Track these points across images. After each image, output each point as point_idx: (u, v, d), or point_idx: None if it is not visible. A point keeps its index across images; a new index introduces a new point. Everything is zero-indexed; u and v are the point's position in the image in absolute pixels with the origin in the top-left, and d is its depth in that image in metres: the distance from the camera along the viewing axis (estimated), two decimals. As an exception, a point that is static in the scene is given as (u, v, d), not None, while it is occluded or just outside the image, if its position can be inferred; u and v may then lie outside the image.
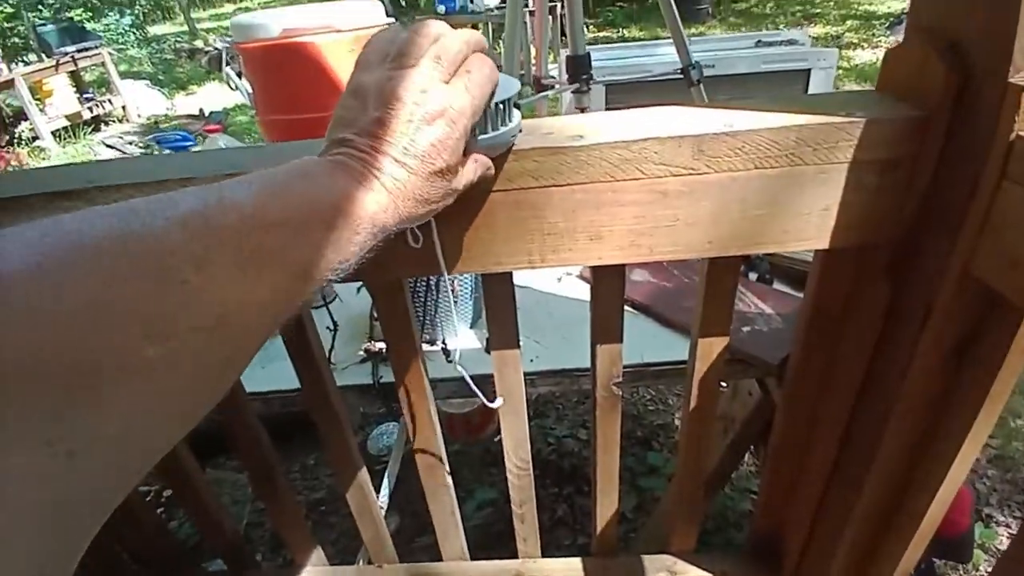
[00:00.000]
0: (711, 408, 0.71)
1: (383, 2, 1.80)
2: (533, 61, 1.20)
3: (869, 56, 5.44)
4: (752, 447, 1.09)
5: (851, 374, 0.62)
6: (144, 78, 6.92)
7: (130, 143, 5.12)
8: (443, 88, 0.38)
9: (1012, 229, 0.44)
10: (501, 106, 0.45)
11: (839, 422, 0.66)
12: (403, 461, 1.36)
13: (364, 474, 0.82)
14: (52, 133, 5.34)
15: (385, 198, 0.37)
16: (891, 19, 6.40)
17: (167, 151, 1.37)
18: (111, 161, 0.60)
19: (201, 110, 5.61)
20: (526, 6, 1.04)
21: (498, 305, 0.63)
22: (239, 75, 1.72)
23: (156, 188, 0.51)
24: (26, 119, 5.31)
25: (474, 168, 0.43)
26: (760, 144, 0.47)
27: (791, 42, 2.05)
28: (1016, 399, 1.71)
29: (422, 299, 0.86)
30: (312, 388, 0.73)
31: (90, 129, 5.71)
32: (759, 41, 2.14)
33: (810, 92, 1.90)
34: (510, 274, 0.61)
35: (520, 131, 0.49)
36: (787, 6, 8.36)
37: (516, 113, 0.47)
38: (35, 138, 5.31)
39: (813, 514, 0.74)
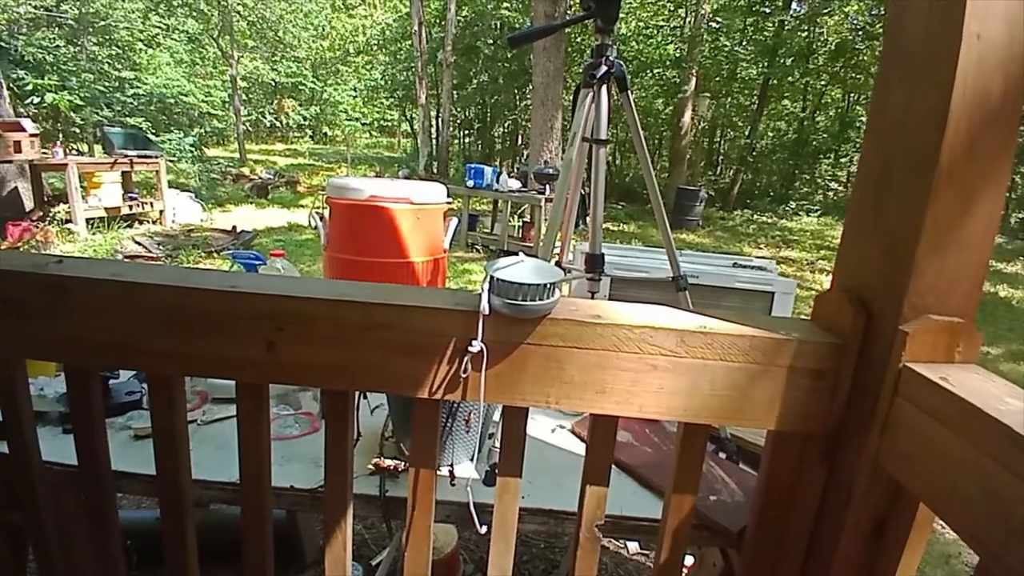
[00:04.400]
0: (678, 562, 0.80)
1: (445, 185, 2.23)
2: (557, 245, 1.47)
3: (838, 284, 6.09)
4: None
5: (796, 546, 0.74)
6: (188, 191, 7.58)
7: (158, 244, 5.46)
8: None
9: (903, 432, 0.61)
10: (549, 285, 0.65)
11: (788, 590, 0.75)
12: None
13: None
14: (86, 220, 5.72)
15: None
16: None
17: (240, 265, 1.59)
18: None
19: (234, 227, 6.09)
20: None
21: (512, 436, 0.77)
22: (320, 218, 2.09)
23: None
24: (66, 202, 5.73)
25: None
26: (724, 343, 0.66)
27: (761, 268, 2.45)
28: None
29: (441, 424, 0.98)
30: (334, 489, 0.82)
31: (125, 224, 6.11)
32: (735, 263, 2.54)
33: (773, 311, 2.23)
34: (527, 411, 0.76)
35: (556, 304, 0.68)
36: (769, 230, 9.52)
37: (557, 292, 0.67)
38: (68, 221, 5.67)
39: None
